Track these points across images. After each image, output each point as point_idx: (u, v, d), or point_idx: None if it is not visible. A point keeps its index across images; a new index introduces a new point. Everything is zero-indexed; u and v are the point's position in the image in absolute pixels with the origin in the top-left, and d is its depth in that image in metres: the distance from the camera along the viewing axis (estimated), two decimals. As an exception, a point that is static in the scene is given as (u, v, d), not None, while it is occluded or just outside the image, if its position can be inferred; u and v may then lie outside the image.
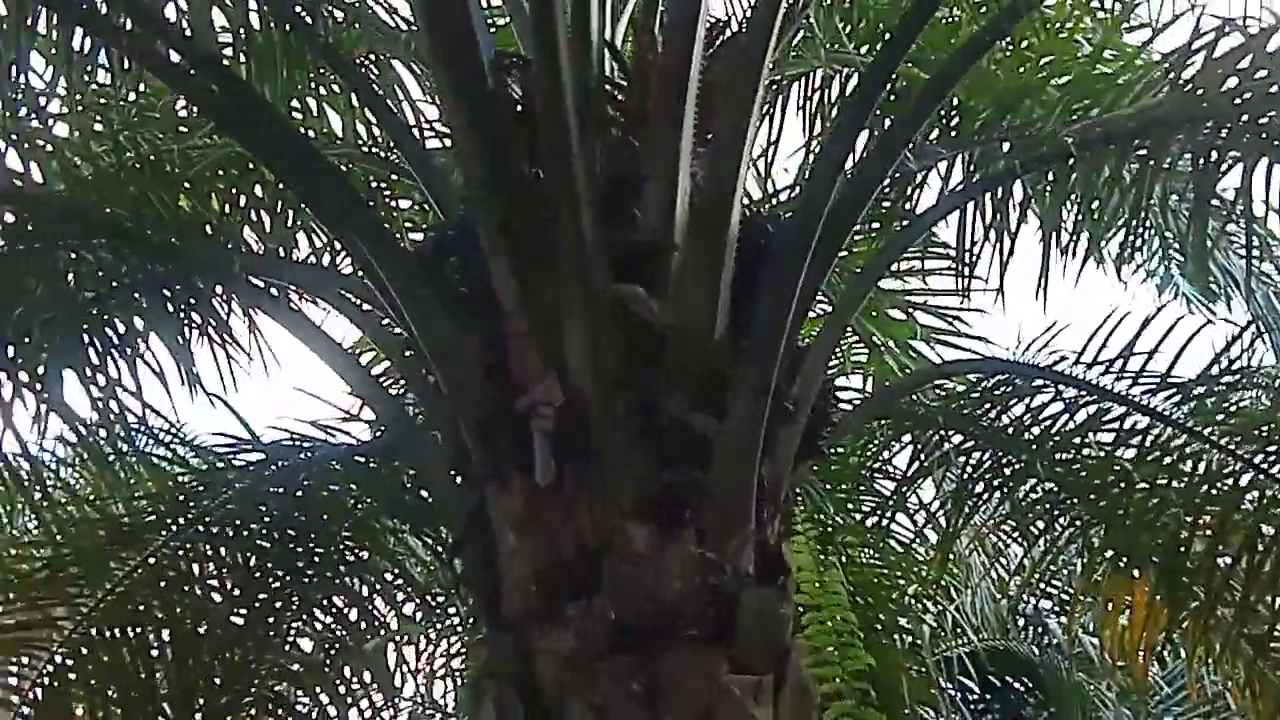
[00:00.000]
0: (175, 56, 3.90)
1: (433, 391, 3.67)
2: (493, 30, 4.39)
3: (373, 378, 4.66)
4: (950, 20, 4.91)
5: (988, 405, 4.50)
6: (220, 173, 4.91)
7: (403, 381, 4.61)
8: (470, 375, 3.36)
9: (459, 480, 3.58)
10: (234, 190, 4.94)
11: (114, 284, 4.38)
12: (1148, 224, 4.64)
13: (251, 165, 4.79)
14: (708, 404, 3.24)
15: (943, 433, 4.63)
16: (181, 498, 4.72)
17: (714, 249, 3.36)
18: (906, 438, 4.82)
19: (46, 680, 4.33)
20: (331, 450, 4.81)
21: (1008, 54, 4.76)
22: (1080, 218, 4.64)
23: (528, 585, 3.10)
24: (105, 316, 4.46)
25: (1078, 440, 4.31)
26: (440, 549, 4.86)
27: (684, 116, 3.42)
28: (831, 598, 2.82)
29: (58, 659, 4.34)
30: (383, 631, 4.96)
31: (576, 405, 3.16)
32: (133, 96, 4.60)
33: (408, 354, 3.88)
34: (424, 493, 4.64)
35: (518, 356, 3.30)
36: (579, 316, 3.21)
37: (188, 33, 4.15)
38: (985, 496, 4.67)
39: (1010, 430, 4.47)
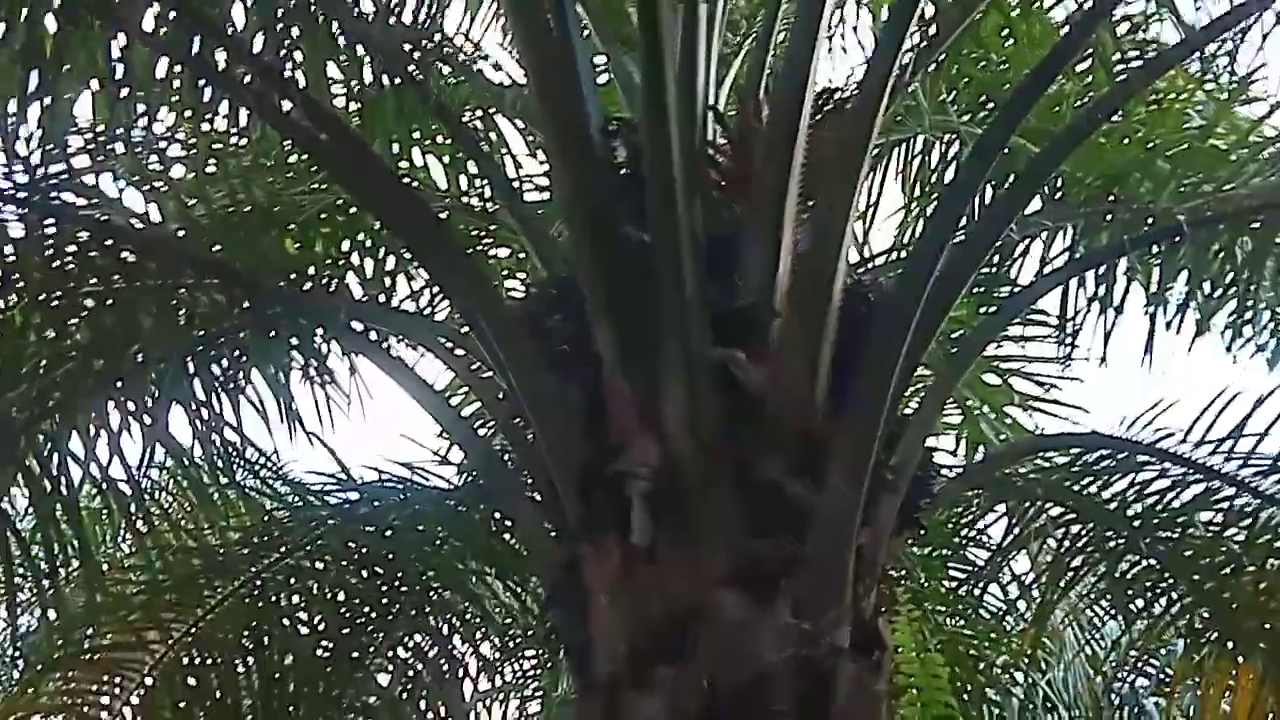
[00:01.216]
0: (289, 107, 4.00)
1: (527, 442, 3.68)
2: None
3: (464, 420, 4.68)
4: (1056, 90, 4.84)
5: (1089, 479, 4.40)
6: (326, 218, 5.02)
7: (494, 426, 4.63)
8: (568, 432, 3.35)
9: (550, 532, 3.57)
10: (340, 236, 5.04)
11: (223, 323, 4.48)
12: (1260, 299, 4.51)
13: (357, 213, 4.89)
14: (806, 471, 3.20)
15: (1040, 504, 4.53)
16: (275, 531, 4.80)
17: (815, 316, 3.33)
18: (1001, 507, 4.71)
19: (136, 701, 4.40)
20: (422, 492, 4.86)
21: (1115, 125, 4.69)
22: (1188, 291, 4.53)
23: (618, 647, 3.07)
24: (212, 354, 4.57)
25: (1183, 519, 4.18)
26: (522, 593, 4.87)
27: (788, 183, 3.40)
28: (932, 680, 2.74)
29: (148, 681, 4.42)
30: (460, 671, 4.96)
31: (674, 468, 3.14)
32: (248, 143, 4.73)
33: (500, 398, 3.89)
34: (509, 538, 4.65)
35: (617, 416, 3.29)
36: (679, 378, 3.19)
37: (303, 85, 4.26)
38: (1083, 571, 4.54)
39: (1112, 505, 4.36)
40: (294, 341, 4.73)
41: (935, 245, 3.41)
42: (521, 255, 5.06)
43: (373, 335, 4.50)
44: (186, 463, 4.59)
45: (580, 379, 3.39)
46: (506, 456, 4.08)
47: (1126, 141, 4.76)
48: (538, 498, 3.63)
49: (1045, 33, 4.72)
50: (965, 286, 3.74)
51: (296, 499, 4.94)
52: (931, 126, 4.98)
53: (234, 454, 4.63)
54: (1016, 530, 4.63)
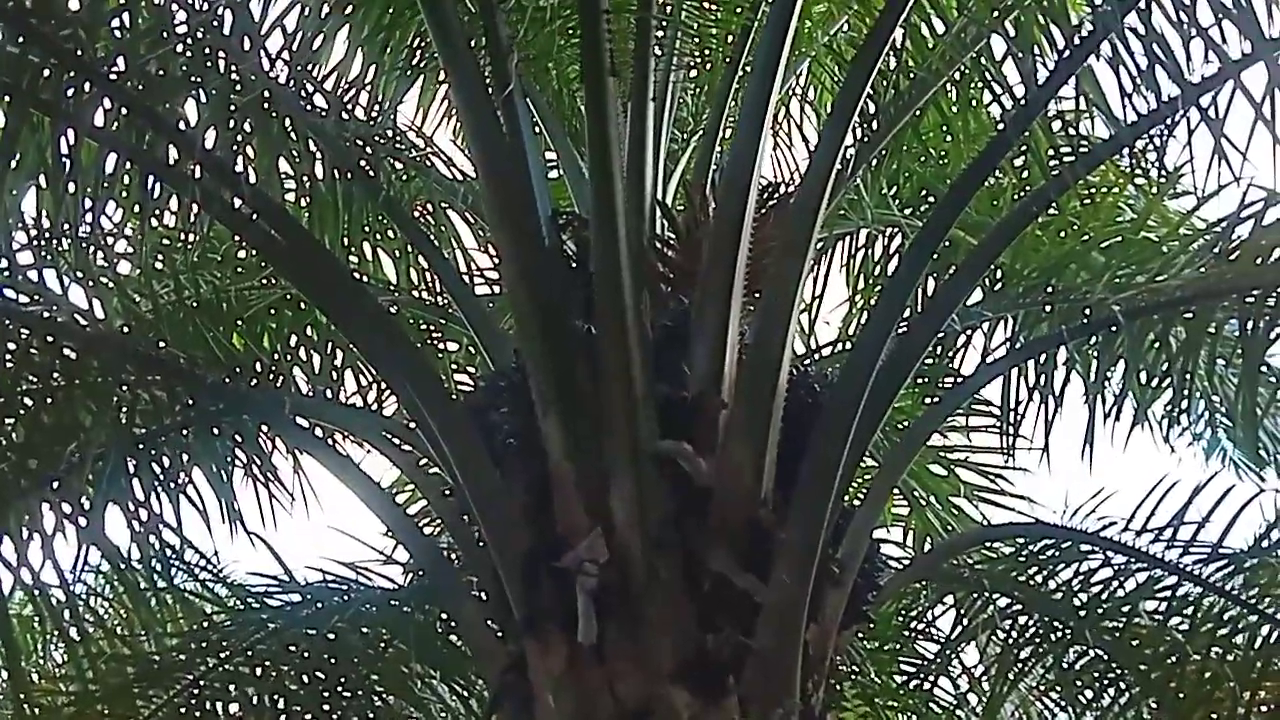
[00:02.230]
0: (239, 203, 3.99)
1: (472, 539, 3.63)
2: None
3: (409, 518, 4.62)
4: (993, 183, 4.95)
5: (1034, 569, 4.40)
6: (274, 313, 4.98)
7: (440, 523, 4.57)
8: (513, 526, 3.33)
9: (496, 631, 3.51)
10: (287, 331, 4.99)
11: (164, 420, 4.40)
12: (1195, 389, 4.58)
13: (304, 306, 4.86)
14: (753, 564, 3.19)
15: (988, 595, 4.52)
16: (213, 636, 4.65)
17: (761, 407, 3.34)
18: (950, 599, 4.69)
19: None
20: (366, 593, 4.73)
21: (1051, 218, 4.79)
22: (1126, 381, 4.59)
23: (566, 748, 3.00)
24: (153, 452, 4.47)
25: (1127, 608, 4.18)
26: (469, 696, 4.74)
27: (734, 276, 3.45)
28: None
29: (78, 797, 4.23)
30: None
31: (621, 562, 3.11)
32: (195, 238, 4.70)
33: (446, 494, 3.85)
34: (455, 639, 4.55)
35: (563, 510, 3.27)
36: (626, 472, 3.19)
37: (253, 180, 4.25)
38: (1032, 662, 4.51)
39: (1058, 595, 4.35)
40: (237, 438, 4.65)
41: (879, 336, 3.45)
42: (471, 349, 5.04)
43: (318, 431, 4.44)
44: (123, 566, 4.45)
45: (526, 473, 3.38)
46: (452, 554, 4.02)
47: (1062, 235, 4.85)
48: (483, 596, 3.57)
49: (982, 128, 4.83)
50: (908, 377, 3.78)
51: (236, 602, 4.80)
52: (874, 220, 5.06)
53: (173, 556, 4.51)
54: (965, 622, 4.60)
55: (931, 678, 4.96)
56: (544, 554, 3.20)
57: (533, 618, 3.17)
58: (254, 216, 3.93)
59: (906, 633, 4.95)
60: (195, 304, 4.72)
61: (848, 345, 5.05)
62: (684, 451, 3.24)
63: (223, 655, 4.52)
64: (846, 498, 3.61)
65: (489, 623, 3.53)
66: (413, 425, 3.91)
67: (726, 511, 3.25)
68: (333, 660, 4.61)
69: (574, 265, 3.59)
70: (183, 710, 4.42)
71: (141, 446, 4.41)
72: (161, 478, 4.47)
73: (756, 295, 3.60)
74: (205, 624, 4.71)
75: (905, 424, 4.81)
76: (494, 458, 3.44)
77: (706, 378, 3.40)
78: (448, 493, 3.81)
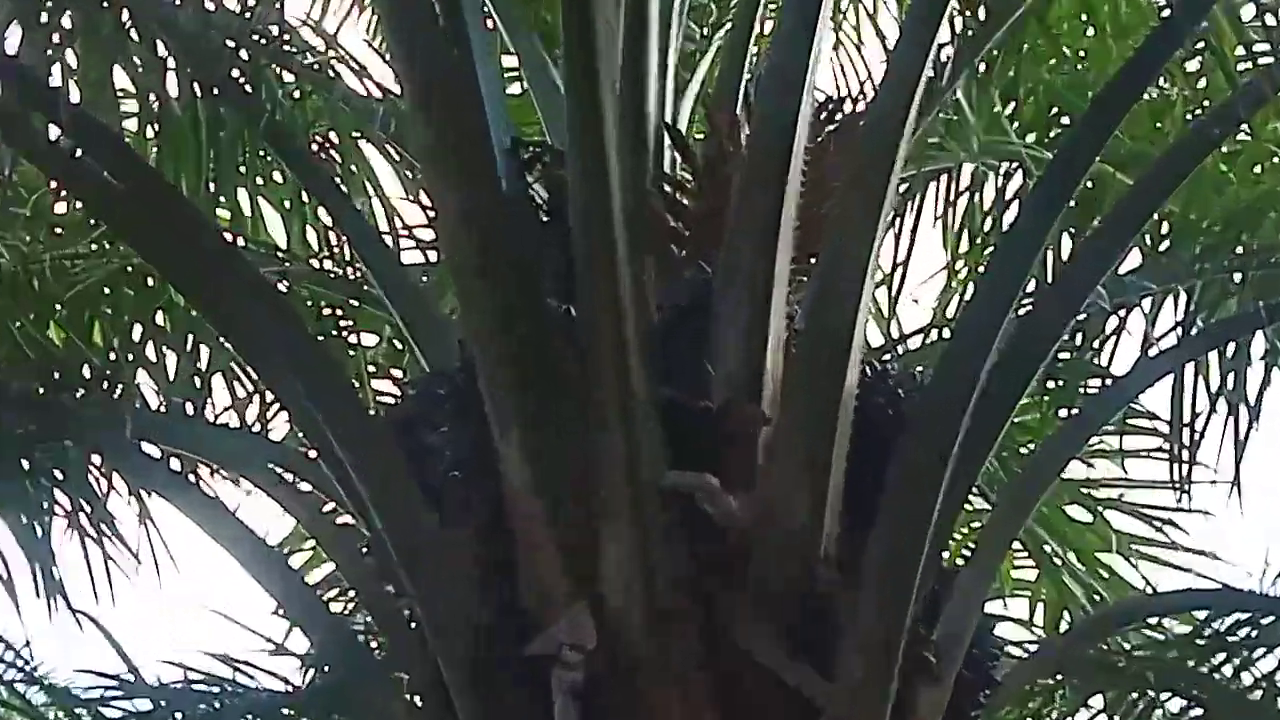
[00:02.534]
0: (56, 132, 4.03)
1: (401, 616, 3.66)
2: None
3: (309, 589, 4.64)
4: (1156, 96, 4.98)
5: (1222, 655, 4.42)
6: (108, 293, 5.02)
7: (353, 596, 4.59)
8: (459, 595, 3.35)
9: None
10: (127, 318, 5.03)
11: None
12: None
13: (153, 283, 4.90)
14: (807, 648, 3.21)
15: (1153, 694, 4.54)
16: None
17: (819, 421, 3.36)
18: (1098, 700, 4.71)
19: None
20: (245, 698, 4.77)
21: (1241, 146, 4.82)
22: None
23: None
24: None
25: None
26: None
27: (778, 231, 3.46)
28: None
29: None
30: None
31: (615, 647, 3.13)
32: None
33: (362, 551, 3.86)
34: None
35: (532, 573, 3.30)
36: (622, 518, 3.21)
37: (76, 99, 4.29)
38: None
39: (1258, 694, 4.39)
40: (57, 474, 4.68)
41: (991, 319, 3.46)
42: (395, 343, 5.08)
43: (174, 463, 4.47)
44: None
45: (477, 519, 3.40)
46: (370, 641, 4.03)
47: (1259, 170, 4.89)
48: (417, 701, 3.60)
49: (1139, 17, 4.87)
50: (1034, 378, 3.78)
51: (60, 712, 4.83)
52: (981, 151, 5.08)
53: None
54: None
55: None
56: (504, 636, 3.21)
57: (490, 726, 3.20)
58: (78, 152, 3.96)
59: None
60: (-9, 283, 4.77)
61: (945, 333, 5.07)
62: (705, 485, 3.26)
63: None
64: (945, 554, 3.62)
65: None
66: (313, 454, 3.94)
67: (768, 572, 3.27)
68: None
69: (545, 218, 3.62)
70: None
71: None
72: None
73: (811, 260, 3.62)
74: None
75: (1030, 447, 4.82)
76: (429, 496, 3.45)
77: (737, 379, 3.42)
78: (364, 550, 3.83)
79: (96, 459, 4.71)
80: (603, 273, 3.23)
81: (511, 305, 3.35)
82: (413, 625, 3.63)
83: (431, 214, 4.92)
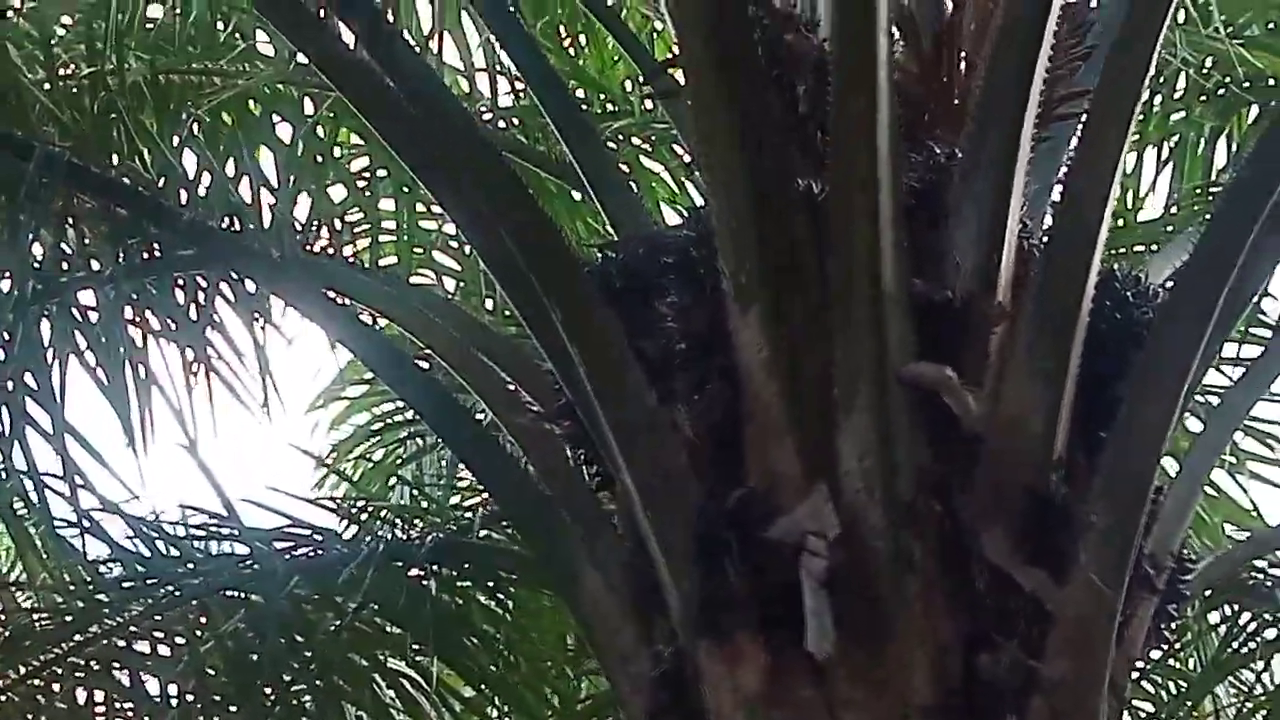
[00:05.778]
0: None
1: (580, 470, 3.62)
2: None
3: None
4: None
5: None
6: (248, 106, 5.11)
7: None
8: (678, 471, 3.26)
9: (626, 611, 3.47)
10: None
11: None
12: None
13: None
14: (1041, 554, 3.16)
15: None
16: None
17: (1057, 321, 3.27)
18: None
19: None
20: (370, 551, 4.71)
21: None
22: None
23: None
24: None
25: None
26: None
27: (1024, 112, 3.32)
28: None
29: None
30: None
31: (854, 539, 3.06)
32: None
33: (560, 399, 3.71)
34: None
35: (762, 454, 3.21)
36: (864, 403, 3.11)
37: None
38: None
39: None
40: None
41: (1247, 206, 3.29)
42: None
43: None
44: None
45: (700, 394, 3.31)
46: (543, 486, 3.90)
47: None
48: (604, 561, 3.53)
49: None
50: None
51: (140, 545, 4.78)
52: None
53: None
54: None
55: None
56: (731, 515, 3.14)
57: (711, 611, 3.13)
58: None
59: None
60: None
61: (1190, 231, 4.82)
62: (947, 381, 3.17)
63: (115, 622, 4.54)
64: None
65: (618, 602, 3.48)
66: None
67: (1002, 472, 3.20)
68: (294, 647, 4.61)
69: (783, 86, 3.46)
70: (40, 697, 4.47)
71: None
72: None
73: (1047, 139, 3.49)
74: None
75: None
76: (646, 367, 3.35)
77: (976, 272, 3.32)
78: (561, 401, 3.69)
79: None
80: (860, 148, 3.08)
81: (759, 176, 3.20)
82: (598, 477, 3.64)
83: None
